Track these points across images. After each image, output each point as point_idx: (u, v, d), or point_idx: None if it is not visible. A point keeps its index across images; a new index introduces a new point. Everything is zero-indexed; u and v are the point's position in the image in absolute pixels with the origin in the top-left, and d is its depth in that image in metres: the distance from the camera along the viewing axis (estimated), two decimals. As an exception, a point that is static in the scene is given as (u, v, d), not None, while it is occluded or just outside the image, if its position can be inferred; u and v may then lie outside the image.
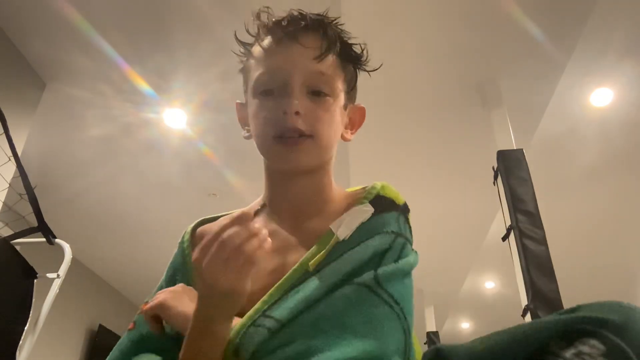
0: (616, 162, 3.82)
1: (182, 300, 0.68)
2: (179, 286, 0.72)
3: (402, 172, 3.45)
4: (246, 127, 0.79)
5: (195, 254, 0.57)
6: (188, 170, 3.86)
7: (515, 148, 2.70)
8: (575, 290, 5.29)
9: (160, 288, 0.75)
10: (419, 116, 3.28)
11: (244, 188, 3.86)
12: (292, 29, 0.71)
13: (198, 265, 0.57)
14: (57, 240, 2.12)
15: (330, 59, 0.72)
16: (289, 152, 0.70)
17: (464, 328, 7.50)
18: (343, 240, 0.67)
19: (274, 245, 0.60)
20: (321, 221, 0.72)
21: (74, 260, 2.18)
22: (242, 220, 0.56)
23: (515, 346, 0.47)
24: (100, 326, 5.47)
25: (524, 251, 2.28)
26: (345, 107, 0.77)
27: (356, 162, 3.54)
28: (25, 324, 1.83)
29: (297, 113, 0.69)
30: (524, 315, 2.23)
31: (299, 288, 0.64)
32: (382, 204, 0.72)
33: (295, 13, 0.73)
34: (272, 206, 0.77)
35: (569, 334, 0.45)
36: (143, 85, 3.09)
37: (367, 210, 0.70)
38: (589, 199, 4.27)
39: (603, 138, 3.56)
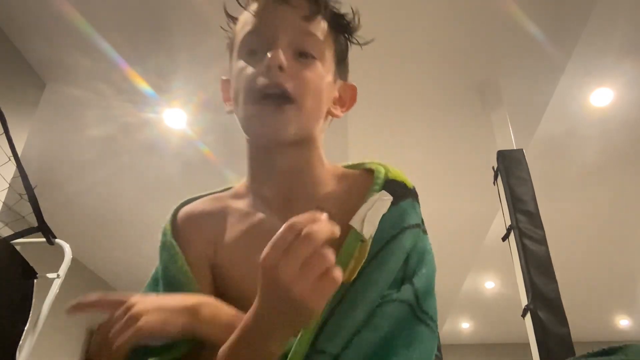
0: (616, 162, 3.81)
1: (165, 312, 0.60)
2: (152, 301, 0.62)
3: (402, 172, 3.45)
4: (228, 102, 0.74)
5: (265, 252, 0.46)
6: (188, 170, 3.86)
7: (515, 148, 2.70)
8: (575, 290, 5.30)
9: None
10: (419, 116, 3.27)
11: (244, 188, 3.86)
12: None
13: (268, 267, 0.46)
14: (57, 240, 2.12)
15: (320, 23, 0.69)
16: (268, 115, 0.64)
17: (464, 328, 7.49)
18: (369, 239, 0.59)
19: (264, 237, 0.49)
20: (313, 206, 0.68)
21: (74, 260, 2.18)
22: (317, 217, 0.47)
23: None
24: (100, 326, 5.46)
25: (524, 251, 2.28)
26: (334, 80, 0.73)
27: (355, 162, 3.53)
28: (25, 324, 1.82)
29: (280, 68, 0.63)
30: (524, 315, 2.23)
31: (339, 308, 0.57)
32: (396, 190, 0.66)
33: None
34: (256, 189, 0.72)
35: None
36: (143, 85, 3.09)
37: (386, 199, 0.60)
38: (589, 199, 4.26)
39: (603, 138, 3.56)
